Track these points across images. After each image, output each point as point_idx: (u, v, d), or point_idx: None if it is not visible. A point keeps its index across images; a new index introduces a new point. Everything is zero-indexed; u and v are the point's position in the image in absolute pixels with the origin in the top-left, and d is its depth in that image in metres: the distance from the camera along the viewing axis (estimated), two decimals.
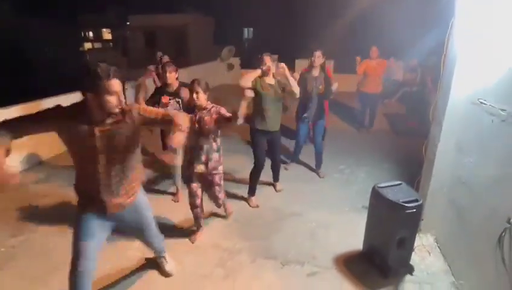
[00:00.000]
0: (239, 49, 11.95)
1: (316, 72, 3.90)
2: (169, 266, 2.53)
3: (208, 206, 3.15)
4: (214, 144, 2.74)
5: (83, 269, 1.83)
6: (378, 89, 5.73)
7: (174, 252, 2.76)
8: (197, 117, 2.64)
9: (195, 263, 2.67)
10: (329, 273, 2.56)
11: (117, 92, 1.66)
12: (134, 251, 2.79)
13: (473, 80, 2.39)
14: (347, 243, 2.89)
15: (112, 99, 1.65)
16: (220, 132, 2.78)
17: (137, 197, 2.02)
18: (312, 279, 2.51)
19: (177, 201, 3.64)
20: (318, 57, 3.81)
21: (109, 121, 1.72)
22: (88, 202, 1.90)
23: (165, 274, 2.51)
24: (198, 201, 2.84)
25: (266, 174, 3.85)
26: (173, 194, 3.75)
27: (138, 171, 2.00)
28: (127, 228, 2.18)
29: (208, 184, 2.86)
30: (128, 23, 18.14)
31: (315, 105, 3.93)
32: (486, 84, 2.21)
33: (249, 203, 3.57)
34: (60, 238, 2.96)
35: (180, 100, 3.45)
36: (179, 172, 3.58)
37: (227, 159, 3.10)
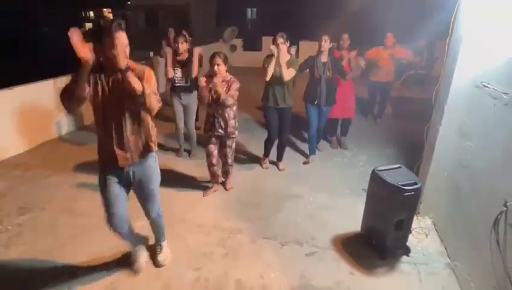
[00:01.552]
0: (242, 30, 11.73)
1: (324, 58, 3.79)
2: (161, 256, 2.48)
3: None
4: (231, 111, 3.09)
5: (115, 224, 2.12)
6: (389, 77, 5.34)
7: (176, 231, 2.83)
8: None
9: (197, 242, 2.74)
10: (328, 254, 2.62)
11: (122, 45, 1.74)
12: (139, 229, 2.86)
13: (476, 63, 2.36)
14: (346, 224, 2.94)
15: (119, 52, 1.71)
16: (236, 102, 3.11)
17: (148, 160, 2.09)
18: (310, 259, 2.58)
19: (180, 156, 4.28)
20: (325, 42, 3.72)
21: (119, 74, 1.79)
22: (104, 155, 2.03)
23: (156, 264, 2.47)
24: (214, 160, 3.28)
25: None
26: (177, 150, 4.37)
27: (149, 129, 2.05)
28: (135, 187, 2.18)
29: (222, 146, 3.26)
30: (129, 2, 17.77)
31: (324, 90, 3.83)
32: (490, 67, 2.18)
33: (261, 164, 4.04)
34: (68, 216, 3.04)
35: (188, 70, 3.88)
36: (181, 132, 4.21)
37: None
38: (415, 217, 2.60)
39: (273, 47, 3.40)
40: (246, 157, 4.31)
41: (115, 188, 2.06)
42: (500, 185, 1.94)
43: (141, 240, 2.57)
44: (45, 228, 2.89)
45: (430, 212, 2.97)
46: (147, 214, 2.34)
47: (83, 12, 28.14)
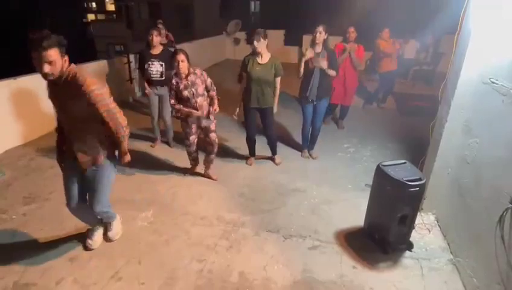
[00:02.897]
0: (246, 23, 11.64)
1: (318, 49, 3.67)
2: (111, 233, 2.63)
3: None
4: (208, 98, 3.25)
5: (71, 207, 2.36)
6: (394, 66, 5.72)
7: (180, 223, 2.85)
8: (189, 82, 3.08)
9: (200, 234, 2.76)
10: (330, 248, 2.64)
11: (51, 62, 1.79)
12: (141, 221, 2.88)
13: (485, 59, 2.34)
14: (349, 219, 2.95)
15: (46, 68, 1.78)
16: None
17: (98, 163, 2.18)
18: (313, 252, 2.59)
19: (154, 147, 4.36)
20: (320, 33, 3.59)
21: (61, 82, 1.90)
22: (61, 148, 2.27)
23: (107, 239, 2.63)
24: (194, 148, 3.46)
25: (266, 149, 4.04)
26: (153, 140, 4.45)
27: (97, 137, 2.13)
28: (85, 183, 2.31)
29: (205, 134, 3.37)
30: None
31: (317, 83, 3.70)
32: (499, 63, 2.16)
33: (246, 161, 4.00)
34: None
35: (163, 63, 3.93)
36: (156, 122, 4.30)
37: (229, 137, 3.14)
38: (418, 213, 2.60)
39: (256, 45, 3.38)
40: (245, 151, 4.30)
41: (70, 174, 2.27)
42: (506, 183, 1.93)
43: (99, 222, 2.60)
44: (50, 218, 2.91)
45: (434, 208, 2.97)
46: (92, 207, 2.37)
47: (85, 3, 27.97)
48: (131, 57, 6.31)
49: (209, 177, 3.61)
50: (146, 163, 3.93)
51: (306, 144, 4.22)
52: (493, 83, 2.17)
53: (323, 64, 3.59)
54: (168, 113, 4.21)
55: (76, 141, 2.10)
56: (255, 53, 3.42)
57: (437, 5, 6.43)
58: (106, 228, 2.64)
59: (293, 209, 3.12)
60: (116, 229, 2.66)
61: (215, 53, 10.73)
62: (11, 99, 4.27)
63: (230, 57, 11.34)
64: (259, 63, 3.42)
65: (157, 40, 3.88)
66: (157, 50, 3.93)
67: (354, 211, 3.01)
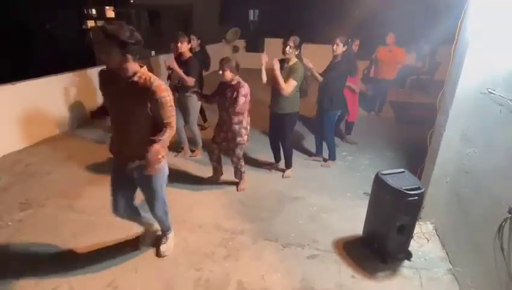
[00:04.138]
0: (244, 31, 11.73)
1: (336, 59, 3.75)
2: (165, 246, 2.56)
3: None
4: (234, 117, 3.10)
5: (117, 213, 2.30)
6: (392, 75, 5.75)
7: (178, 231, 2.82)
8: (223, 92, 3.09)
9: (198, 242, 2.73)
10: (329, 257, 2.62)
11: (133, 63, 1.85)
12: (140, 228, 2.85)
13: (482, 69, 2.36)
14: (347, 228, 2.93)
15: (129, 66, 1.85)
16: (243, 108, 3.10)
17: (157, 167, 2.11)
18: (312, 261, 2.57)
19: (183, 156, 4.26)
20: (337, 45, 3.64)
21: (130, 81, 1.89)
22: (114, 150, 2.18)
23: (158, 254, 2.55)
24: (215, 156, 3.45)
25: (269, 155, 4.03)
26: (179, 150, 4.31)
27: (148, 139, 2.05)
28: (140, 187, 2.28)
29: (229, 151, 3.34)
30: (132, 1, 17.76)
31: (328, 91, 3.74)
32: (496, 73, 2.18)
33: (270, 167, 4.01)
34: (68, 213, 3.03)
35: (183, 70, 3.80)
36: (181, 130, 4.15)
37: None
38: (416, 222, 2.60)
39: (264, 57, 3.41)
40: (247, 160, 4.30)
41: (120, 178, 2.20)
42: (504, 192, 1.94)
43: (150, 224, 2.63)
44: (46, 224, 2.88)
45: (432, 217, 2.97)
46: (151, 211, 2.40)
47: (85, 10, 28.10)
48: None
49: (237, 185, 3.58)
50: None
51: (320, 152, 4.34)
52: (491, 93, 2.19)
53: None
54: (194, 120, 4.14)
55: (132, 138, 2.05)
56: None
57: (434, 14, 6.53)
58: (159, 242, 2.60)
59: (291, 218, 3.10)
60: (171, 243, 2.61)
61: (213, 61, 10.74)
62: (9, 105, 4.26)
63: None
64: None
65: (184, 47, 3.84)
66: (184, 57, 3.88)
67: (352, 220, 3.00)
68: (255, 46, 11.54)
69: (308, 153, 4.51)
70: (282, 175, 3.89)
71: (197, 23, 14.83)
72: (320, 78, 3.72)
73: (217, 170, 3.59)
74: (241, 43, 11.33)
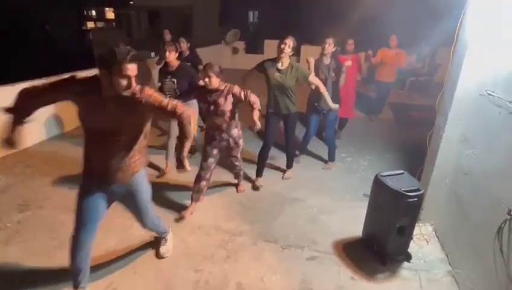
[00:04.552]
0: (244, 32, 11.75)
1: (326, 61, 3.77)
2: (164, 248, 2.55)
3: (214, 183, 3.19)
4: (232, 121, 2.95)
5: (84, 238, 1.95)
6: (392, 78, 5.71)
7: (177, 232, 2.81)
8: (212, 99, 2.86)
9: (198, 243, 2.73)
10: (328, 258, 2.61)
11: (130, 76, 1.67)
12: (139, 230, 2.84)
13: (481, 71, 2.36)
14: (347, 229, 2.93)
15: (123, 82, 1.67)
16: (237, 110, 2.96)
17: (137, 177, 2.00)
18: (311, 263, 2.56)
19: (162, 175, 3.81)
20: (329, 45, 3.68)
21: (120, 97, 1.73)
22: (91, 172, 1.93)
23: (157, 255, 2.54)
24: (208, 175, 3.07)
25: (278, 161, 4.06)
26: (158, 169, 3.91)
27: (142, 151, 1.98)
28: (126, 205, 2.18)
29: (227, 156, 3.19)
30: (131, 2, 17.79)
31: (330, 94, 3.66)
32: (495, 75, 2.18)
33: (254, 183, 3.66)
34: (67, 214, 2.98)
35: (175, 80, 3.61)
36: (171, 146, 3.74)
37: None
38: (416, 224, 2.59)
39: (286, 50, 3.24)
40: (247, 160, 4.30)
41: (97, 203, 1.96)
42: (503, 194, 1.94)
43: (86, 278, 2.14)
44: (44, 226, 2.87)
45: (432, 219, 2.97)
46: (142, 225, 2.30)
47: (85, 11, 28.14)
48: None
49: (236, 187, 3.58)
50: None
51: (305, 149, 4.34)
52: (490, 94, 2.19)
53: (335, 106, 3.61)
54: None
55: (118, 157, 1.88)
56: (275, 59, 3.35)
57: (434, 16, 6.54)
58: (158, 243, 2.57)
59: (291, 219, 3.10)
60: (170, 245, 2.60)
61: (213, 62, 10.77)
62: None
63: (228, 66, 11.39)
64: (278, 69, 3.32)
65: (173, 57, 3.56)
66: (172, 66, 3.60)
67: (352, 221, 3.00)
68: (254, 47, 11.57)
69: (314, 163, 4.39)
70: (283, 176, 3.88)
71: (197, 24, 14.86)
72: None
73: (201, 191, 3.11)
74: (240, 45, 11.36)
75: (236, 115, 2.99)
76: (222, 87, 2.85)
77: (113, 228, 2.75)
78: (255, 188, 3.61)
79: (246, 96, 2.85)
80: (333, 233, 2.89)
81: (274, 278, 2.40)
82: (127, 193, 2.04)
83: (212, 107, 2.87)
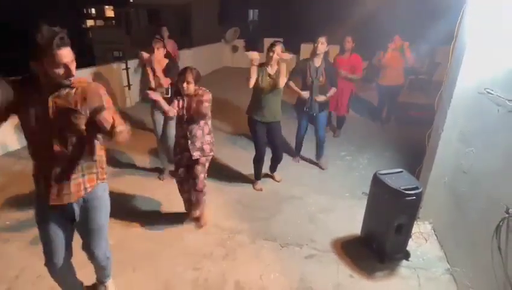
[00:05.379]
0: (244, 31, 11.73)
1: (317, 62, 3.58)
2: None
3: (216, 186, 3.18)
4: (205, 127, 2.71)
5: (56, 266, 1.81)
6: (399, 80, 5.21)
7: (176, 231, 2.82)
8: (186, 104, 2.63)
9: (197, 242, 2.73)
10: (327, 256, 2.62)
11: (65, 64, 1.44)
12: (137, 228, 2.85)
13: (480, 69, 2.36)
14: (345, 227, 2.93)
15: (59, 71, 1.44)
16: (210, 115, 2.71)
17: (93, 191, 1.73)
18: (310, 261, 2.57)
19: (163, 179, 3.70)
20: (322, 44, 3.47)
21: (64, 91, 1.52)
22: (41, 193, 1.68)
23: None
24: (185, 187, 2.85)
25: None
26: (160, 171, 3.79)
27: (98, 158, 1.73)
28: (77, 228, 1.85)
29: (193, 167, 2.73)
30: (131, 0, 17.74)
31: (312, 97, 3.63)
32: (494, 74, 2.18)
33: (253, 186, 3.62)
34: None
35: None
36: (161, 153, 3.66)
37: (231, 147, 3.12)
38: (414, 222, 2.60)
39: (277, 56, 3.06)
40: (246, 158, 4.30)
41: (55, 224, 1.74)
42: (502, 192, 1.94)
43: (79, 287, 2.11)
44: None
45: (430, 217, 2.97)
46: (91, 254, 1.91)
47: (85, 9, 28.09)
48: (130, 63, 6.35)
49: (197, 220, 2.96)
50: (139, 170, 3.91)
51: (298, 153, 4.29)
52: (489, 93, 2.19)
53: (321, 98, 3.61)
54: (173, 129, 3.28)
55: (68, 166, 1.63)
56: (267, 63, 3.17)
57: (433, 15, 6.53)
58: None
59: (290, 217, 3.10)
60: None
61: (213, 60, 10.78)
62: None
63: (228, 64, 11.38)
64: (269, 74, 3.16)
65: (160, 54, 3.49)
66: (161, 64, 3.52)
67: (351, 219, 3.00)
68: (254, 45, 11.55)
69: (312, 162, 4.29)
70: (276, 180, 3.76)
71: (196, 22, 14.84)
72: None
73: (190, 202, 2.93)
74: (240, 43, 11.33)
75: (209, 122, 2.75)
76: (200, 93, 2.60)
77: (112, 226, 2.74)
78: (257, 189, 3.59)
79: (203, 115, 2.60)
80: (332, 231, 2.90)
81: (273, 276, 2.40)
82: (82, 212, 1.75)
83: (186, 114, 2.64)
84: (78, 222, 1.79)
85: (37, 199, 1.74)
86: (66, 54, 1.43)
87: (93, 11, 29.00)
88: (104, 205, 1.83)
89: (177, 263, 2.49)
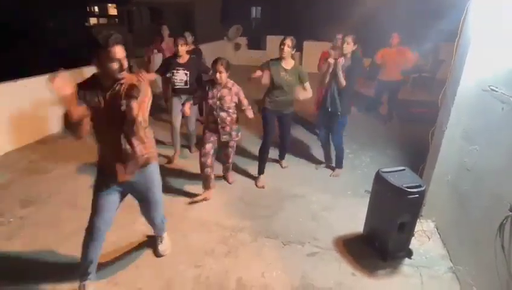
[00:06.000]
0: (246, 28, 11.70)
1: (347, 61, 3.39)
2: (162, 247, 2.55)
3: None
4: (234, 115, 3.10)
5: (98, 227, 2.05)
6: (397, 76, 5.26)
7: (178, 228, 2.82)
8: (219, 94, 2.98)
9: (199, 239, 2.74)
10: (329, 254, 2.61)
11: (119, 59, 1.74)
12: (140, 225, 2.86)
13: (484, 67, 2.34)
14: (348, 225, 2.93)
15: (114, 66, 1.74)
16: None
17: (148, 169, 2.08)
18: (312, 259, 2.57)
19: (172, 162, 4.05)
20: (348, 44, 3.32)
21: (117, 87, 1.82)
22: (104, 166, 2.04)
23: (156, 254, 2.54)
24: (209, 161, 3.12)
25: (272, 153, 3.94)
26: (168, 157, 4.12)
27: (149, 142, 2.05)
28: (137, 197, 2.23)
29: (224, 147, 3.33)
30: None
31: (337, 97, 3.47)
32: (498, 71, 2.16)
33: (256, 183, 3.62)
34: (70, 210, 3.04)
35: (188, 72, 3.90)
36: (177, 132, 4.04)
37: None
38: (417, 220, 2.59)
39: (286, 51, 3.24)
40: (249, 157, 4.30)
41: (111, 195, 2.06)
42: (505, 190, 1.92)
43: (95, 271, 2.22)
44: (47, 222, 2.89)
45: (433, 216, 2.96)
46: (151, 221, 2.40)
47: (88, 8, 28.15)
48: (132, 62, 6.38)
49: (226, 179, 3.66)
50: None
51: (329, 161, 4.09)
52: (493, 90, 2.17)
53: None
54: (192, 123, 4.15)
55: (126, 149, 1.94)
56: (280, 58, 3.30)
57: (437, 12, 6.47)
58: (155, 242, 2.57)
59: (292, 215, 3.10)
60: (168, 242, 2.60)
61: (212, 59, 10.75)
62: (12, 102, 4.27)
63: (231, 62, 11.35)
64: (285, 69, 3.29)
65: (183, 50, 3.88)
66: (183, 59, 3.91)
67: (353, 218, 2.99)
68: (256, 43, 11.52)
69: (315, 160, 4.27)
70: (282, 166, 4.04)
71: (199, 20, 14.82)
72: (344, 82, 3.36)
73: (209, 178, 3.20)
74: (243, 41, 11.30)
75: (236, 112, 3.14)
76: (230, 85, 3.01)
77: (115, 223, 2.75)
78: (259, 186, 3.60)
79: (245, 105, 3.08)
80: (334, 229, 2.89)
81: (274, 273, 2.40)
82: (140, 186, 2.11)
83: (218, 102, 2.99)
84: (135, 195, 2.19)
85: (100, 174, 2.07)
86: (120, 51, 1.73)
87: (96, 9, 29.07)
88: (157, 181, 2.20)
89: (179, 261, 2.50)
